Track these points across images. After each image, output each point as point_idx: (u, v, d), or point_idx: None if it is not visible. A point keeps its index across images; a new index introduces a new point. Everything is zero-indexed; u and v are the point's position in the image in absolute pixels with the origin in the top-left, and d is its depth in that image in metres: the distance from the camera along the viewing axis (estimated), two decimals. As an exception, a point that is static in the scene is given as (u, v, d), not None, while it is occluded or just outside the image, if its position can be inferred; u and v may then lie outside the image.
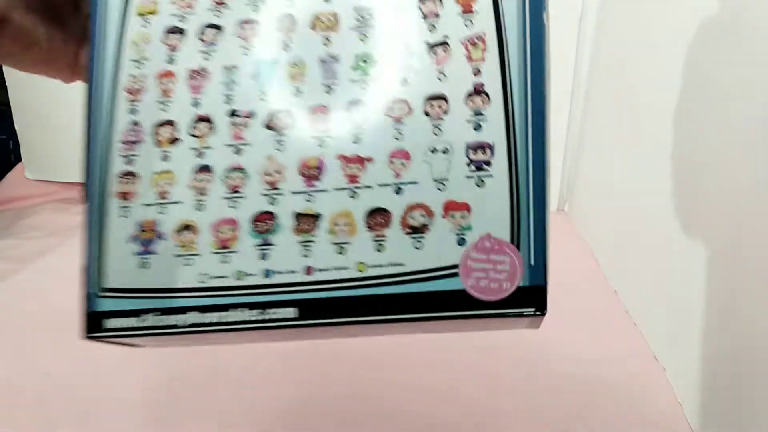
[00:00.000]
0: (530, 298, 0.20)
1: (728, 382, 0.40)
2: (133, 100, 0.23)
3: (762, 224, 0.36)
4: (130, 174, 0.23)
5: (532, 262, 0.20)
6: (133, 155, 0.23)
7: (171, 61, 0.24)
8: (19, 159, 1.08)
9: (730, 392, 0.39)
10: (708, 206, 0.45)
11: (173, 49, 0.24)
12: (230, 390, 0.48)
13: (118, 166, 0.23)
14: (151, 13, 0.25)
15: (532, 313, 0.20)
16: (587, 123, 0.91)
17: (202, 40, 0.24)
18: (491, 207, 0.20)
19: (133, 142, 0.23)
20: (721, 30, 0.44)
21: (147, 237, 0.22)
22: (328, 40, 0.23)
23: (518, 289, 0.20)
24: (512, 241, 0.20)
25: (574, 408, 0.47)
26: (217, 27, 0.24)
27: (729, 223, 0.41)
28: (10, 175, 1.06)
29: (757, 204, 0.37)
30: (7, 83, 0.97)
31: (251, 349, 0.46)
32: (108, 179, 0.23)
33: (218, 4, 0.24)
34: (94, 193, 0.23)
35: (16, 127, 1.07)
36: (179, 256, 0.22)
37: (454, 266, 0.20)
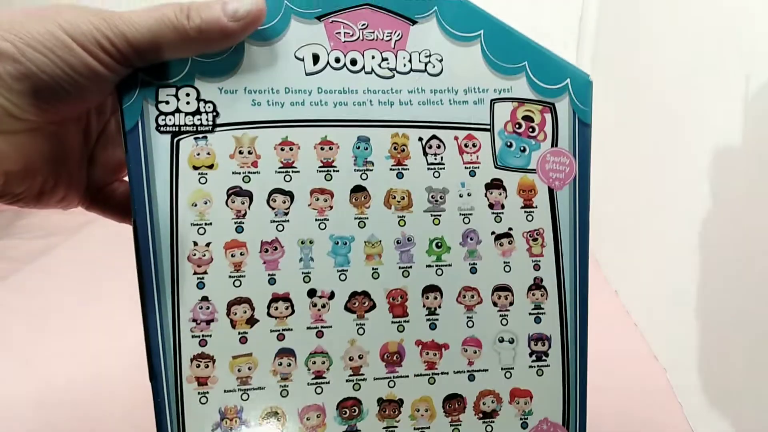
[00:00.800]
0: None
1: (728, 382, 0.46)
2: (199, 273, 0.26)
3: (762, 225, 0.42)
4: (205, 357, 0.25)
5: None
6: (206, 336, 0.25)
7: (239, 229, 0.27)
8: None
9: (730, 392, 0.45)
10: (709, 206, 0.51)
11: (240, 215, 0.26)
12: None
13: (190, 348, 0.25)
14: (208, 167, 0.27)
15: None
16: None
17: (271, 206, 0.28)
18: (548, 394, 0.27)
19: (207, 322, 0.25)
20: (722, 29, 0.50)
21: (231, 425, 0.25)
22: (403, 220, 0.29)
23: None
24: (564, 424, 0.28)
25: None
26: (288, 194, 0.28)
27: (729, 223, 0.47)
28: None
29: (757, 204, 0.42)
30: None
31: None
32: (180, 361, 0.25)
33: (286, 166, 0.28)
34: (161, 373, 0.25)
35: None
36: None
37: None
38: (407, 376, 0.27)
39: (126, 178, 0.28)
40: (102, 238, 0.91)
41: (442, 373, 0.27)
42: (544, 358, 0.28)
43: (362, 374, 0.27)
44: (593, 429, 0.51)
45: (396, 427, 0.27)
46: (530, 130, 0.29)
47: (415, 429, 0.27)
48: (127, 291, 0.74)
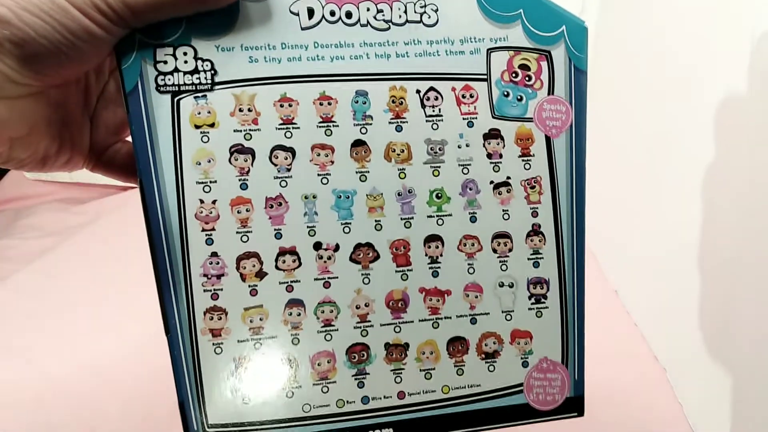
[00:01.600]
0: (574, 406, 0.30)
1: (728, 382, 0.46)
2: (207, 230, 0.27)
3: (762, 225, 0.42)
4: (217, 309, 0.27)
5: (576, 378, 0.29)
6: (217, 290, 0.27)
7: (244, 186, 0.28)
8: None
9: (730, 392, 0.46)
10: (709, 206, 0.51)
11: (243, 172, 0.27)
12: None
13: (203, 301, 0.26)
14: (209, 125, 0.28)
15: (574, 416, 0.30)
16: (587, 123, 1.05)
17: (273, 163, 0.28)
18: (548, 334, 0.29)
19: (217, 276, 0.27)
20: (723, 28, 0.50)
21: (246, 374, 0.27)
22: (403, 173, 0.29)
23: (566, 399, 0.29)
24: (562, 362, 0.29)
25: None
26: (290, 150, 0.29)
27: (730, 223, 0.47)
28: (10, 175, 1.14)
29: (757, 204, 0.43)
30: None
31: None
32: (194, 315, 0.26)
33: (286, 123, 0.29)
34: (176, 327, 0.26)
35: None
36: (282, 389, 0.27)
37: (520, 385, 0.29)
38: (412, 322, 0.28)
39: (128, 138, 0.29)
40: (102, 238, 0.93)
41: (445, 318, 0.29)
42: (542, 300, 0.29)
43: (369, 321, 0.28)
44: (593, 429, 0.51)
45: (403, 369, 0.28)
46: (527, 78, 0.29)
47: (421, 370, 0.28)
48: (127, 290, 0.73)
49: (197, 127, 0.27)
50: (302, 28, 0.27)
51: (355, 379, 0.28)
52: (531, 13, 0.29)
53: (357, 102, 0.28)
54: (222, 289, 0.27)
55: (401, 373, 0.28)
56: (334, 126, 0.28)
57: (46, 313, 0.71)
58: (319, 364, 0.28)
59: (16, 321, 0.69)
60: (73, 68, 0.24)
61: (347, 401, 0.28)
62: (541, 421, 0.29)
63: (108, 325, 0.67)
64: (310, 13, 0.27)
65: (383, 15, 0.28)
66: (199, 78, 0.26)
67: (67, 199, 1.11)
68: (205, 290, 0.27)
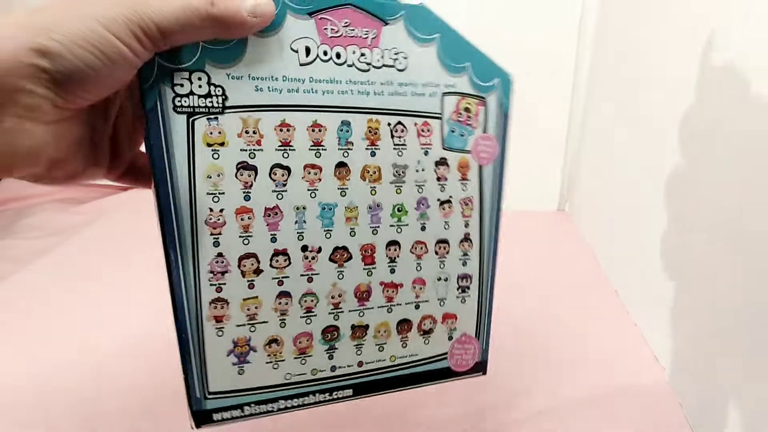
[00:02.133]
0: (481, 367, 0.39)
1: (728, 382, 0.46)
2: (214, 234, 0.31)
3: (762, 224, 0.42)
4: (221, 300, 0.31)
5: (484, 347, 0.39)
6: (221, 284, 0.31)
7: (247, 198, 0.32)
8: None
9: (729, 392, 0.45)
10: (709, 206, 0.51)
11: (247, 186, 0.32)
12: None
13: (209, 293, 0.31)
14: (220, 144, 0.31)
15: (480, 375, 0.41)
16: (588, 123, 0.97)
17: (272, 179, 0.33)
18: (468, 316, 0.38)
19: (222, 273, 0.31)
20: (721, 29, 0.51)
21: (241, 351, 0.32)
22: (374, 190, 0.35)
23: (476, 363, 0.40)
24: (476, 336, 0.39)
25: (574, 408, 0.54)
26: (286, 168, 0.33)
27: (730, 223, 0.47)
28: (10, 176, 1.05)
29: (757, 204, 0.43)
30: None
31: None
32: (200, 305, 0.31)
33: (285, 145, 0.33)
34: (185, 314, 0.31)
35: None
36: (268, 362, 0.33)
37: (445, 353, 0.38)
38: (373, 308, 0.36)
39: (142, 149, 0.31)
40: (102, 238, 0.91)
41: (397, 305, 0.36)
42: (466, 290, 0.38)
43: (341, 308, 0.35)
44: (594, 427, 0.52)
45: (363, 344, 0.36)
46: (468, 119, 0.37)
47: (376, 345, 0.36)
48: (128, 290, 0.75)
49: (209, 145, 0.30)
50: (300, 64, 0.32)
51: (327, 353, 0.35)
52: (476, 66, 0.36)
53: (342, 130, 0.33)
54: (225, 284, 0.32)
55: (362, 347, 0.36)
56: (322, 149, 0.33)
57: (46, 313, 0.69)
58: (300, 342, 0.34)
59: (16, 321, 0.68)
60: (106, 90, 0.27)
61: (319, 370, 0.35)
62: (457, 379, 0.39)
63: (108, 324, 0.67)
64: (307, 51, 0.32)
65: (365, 58, 0.33)
66: (211, 102, 0.30)
67: (67, 199, 1.10)
68: (211, 284, 0.31)
